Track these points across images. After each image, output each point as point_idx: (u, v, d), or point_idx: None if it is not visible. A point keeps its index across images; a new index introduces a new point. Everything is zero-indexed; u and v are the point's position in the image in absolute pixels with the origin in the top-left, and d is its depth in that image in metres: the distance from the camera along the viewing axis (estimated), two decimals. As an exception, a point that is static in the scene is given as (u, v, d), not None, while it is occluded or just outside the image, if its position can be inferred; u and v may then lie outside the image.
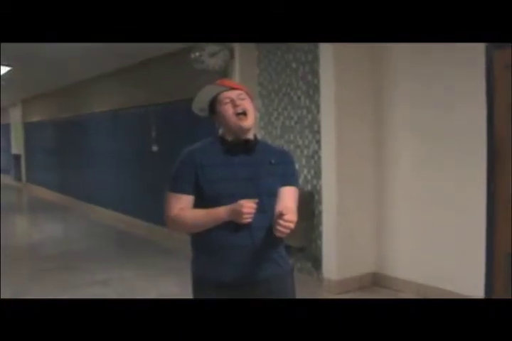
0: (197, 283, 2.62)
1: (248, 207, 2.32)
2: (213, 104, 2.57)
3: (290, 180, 2.66)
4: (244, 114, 2.51)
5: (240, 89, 2.57)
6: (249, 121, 2.52)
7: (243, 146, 2.55)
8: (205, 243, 2.54)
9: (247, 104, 2.55)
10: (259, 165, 2.55)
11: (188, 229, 2.58)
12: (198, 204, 2.52)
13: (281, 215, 2.29)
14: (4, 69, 8.91)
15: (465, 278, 4.67)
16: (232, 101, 2.52)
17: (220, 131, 2.61)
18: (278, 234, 2.35)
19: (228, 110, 2.52)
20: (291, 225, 2.32)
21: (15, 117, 17.26)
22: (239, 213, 2.33)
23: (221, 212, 2.41)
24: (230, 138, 2.56)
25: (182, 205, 2.51)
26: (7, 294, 5.59)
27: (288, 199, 2.59)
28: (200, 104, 2.63)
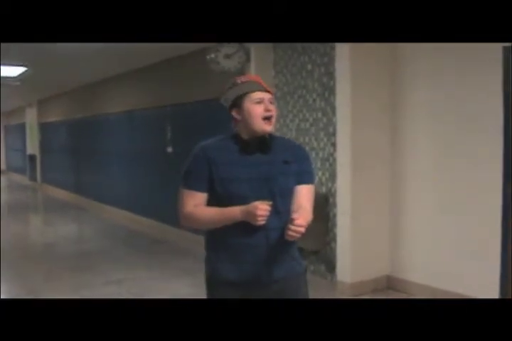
0: (211, 281, 2.62)
1: (262, 209, 2.31)
2: (241, 98, 2.53)
3: (305, 177, 2.64)
4: (270, 118, 2.50)
5: (270, 93, 2.56)
6: (272, 127, 2.53)
7: (259, 145, 2.53)
8: (219, 242, 2.54)
9: (274, 110, 2.54)
10: (274, 165, 2.53)
11: (201, 226, 2.58)
12: (210, 202, 2.51)
13: (292, 220, 2.29)
14: (20, 70, 8.97)
15: (480, 281, 4.64)
16: (264, 104, 2.50)
17: (236, 128, 2.59)
18: (288, 238, 2.35)
19: (257, 110, 2.49)
20: (302, 230, 2.32)
21: (30, 117, 17.36)
22: (253, 215, 2.32)
23: (236, 212, 2.39)
24: (246, 136, 2.55)
25: (196, 202, 2.50)
26: (22, 294, 5.65)
27: (303, 198, 2.59)
28: (231, 95, 2.58)
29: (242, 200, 2.40)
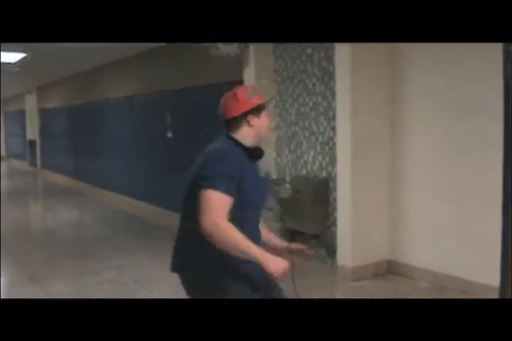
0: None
1: (283, 268, 2.34)
2: (263, 107, 2.55)
3: None
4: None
5: None
6: None
7: (260, 154, 2.55)
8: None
9: None
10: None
11: (221, 245, 2.29)
12: None
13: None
14: (19, 56, 8.92)
15: (480, 266, 4.65)
16: (269, 117, 2.56)
17: (235, 134, 2.52)
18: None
19: (266, 122, 2.54)
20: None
21: (30, 103, 17.33)
22: (277, 269, 2.30)
23: (263, 258, 2.26)
24: (249, 143, 2.51)
25: (227, 209, 2.29)
26: (24, 280, 5.66)
27: None
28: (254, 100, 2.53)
29: (253, 210, 2.39)
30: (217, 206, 2.28)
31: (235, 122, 2.51)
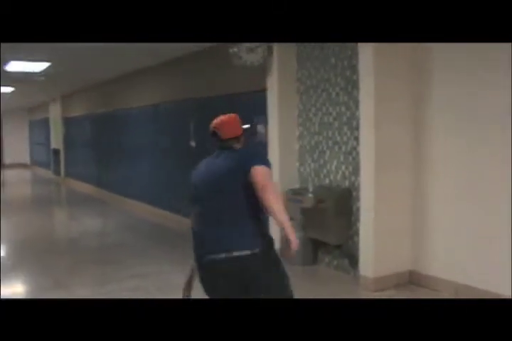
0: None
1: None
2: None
3: None
4: None
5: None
6: None
7: None
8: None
9: None
10: None
11: (279, 213, 2.91)
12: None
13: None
14: (44, 65, 9.04)
15: (504, 279, 4.58)
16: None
17: (238, 146, 3.31)
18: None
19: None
20: None
21: (54, 112, 17.51)
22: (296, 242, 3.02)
23: (291, 229, 3.01)
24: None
25: None
26: (49, 286, 5.72)
27: None
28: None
29: None
30: (271, 177, 3.01)
31: (239, 137, 3.34)
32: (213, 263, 3.06)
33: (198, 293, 4.90)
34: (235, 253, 3.00)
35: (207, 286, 3.19)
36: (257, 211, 3.09)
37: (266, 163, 3.02)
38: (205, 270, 3.13)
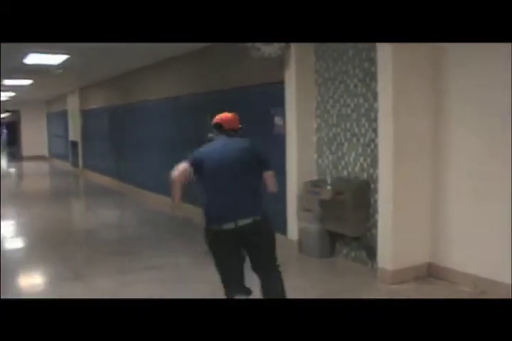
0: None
1: None
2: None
3: None
4: None
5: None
6: None
7: None
8: None
9: None
10: None
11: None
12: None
13: None
14: (62, 58, 9.07)
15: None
16: None
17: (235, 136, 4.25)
18: None
19: None
20: None
21: (72, 105, 17.60)
22: None
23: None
24: None
25: None
26: (68, 277, 5.77)
27: None
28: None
29: None
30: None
31: (237, 131, 4.30)
32: (243, 227, 3.89)
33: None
34: (256, 218, 3.92)
35: (219, 245, 4.00)
36: (260, 188, 4.10)
37: (272, 166, 4.18)
38: (224, 232, 3.92)
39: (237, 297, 3.94)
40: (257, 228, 3.92)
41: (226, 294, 4.02)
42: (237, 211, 3.92)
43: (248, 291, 4.01)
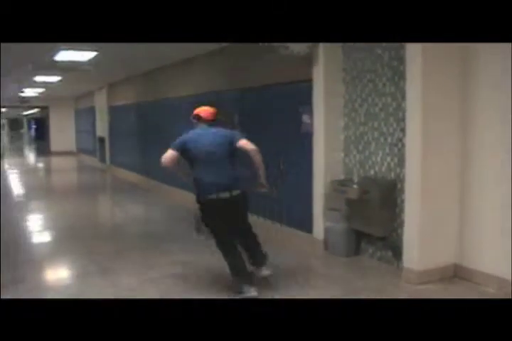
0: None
1: None
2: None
3: None
4: None
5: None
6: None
7: None
8: None
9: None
10: None
11: (259, 161, 5.00)
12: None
13: None
14: (91, 55, 9.15)
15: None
16: None
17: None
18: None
19: None
20: None
21: (100, 101, 17.75)
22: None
23: (263, 174, 5.17)
24: None
25: None
26: (94, 271, 5.83)
27: None
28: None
29: None
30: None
31: (213, 123, 5.24)
32: (232, 197, 4.90)
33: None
34: (242, 190, 4.98)
35: (212, 213, 5.00)
36: (238, 167, 5.02)
37: (244, 136, 4.96)
38: (217, 202, 4.90)
39: (239, 266, 4.96)
40: (244, 198, 5.02)
41: (224, 257, 5.07)
42: (228, 183, 4.90)
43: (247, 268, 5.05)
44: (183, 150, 5.05)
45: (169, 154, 5.06)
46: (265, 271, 5.26)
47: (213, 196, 4.87)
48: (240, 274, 4.95)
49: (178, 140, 5.18)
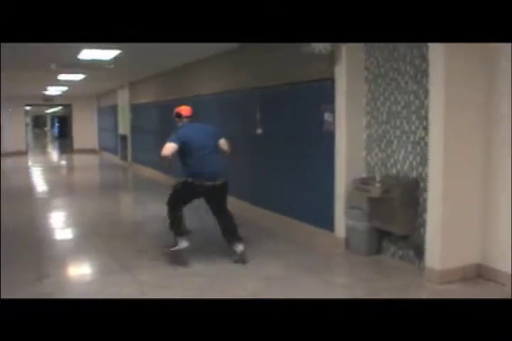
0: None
1: None
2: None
3: None
4: None
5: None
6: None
7: None
8: None
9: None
10: None
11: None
12: None
13: None
14: (114, 53, 9.21)
15: None
16: None
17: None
18: None
19: None
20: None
21: (122, 99, 17.84)
22: None
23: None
24: None
25: None
26: (115, 269, 5.86)
27: None
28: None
29: None
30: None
31: (191, 118, 6.15)
32: (216, 185, 5.85)
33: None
34: (225, 180, 5.94)
35: (192, 189, 5.94)
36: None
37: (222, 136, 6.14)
38: (203, 187, 5.83)
39: (176, 222, 6.13)
40: (224, 187, 5.95)
41: (171, 213, 6.19)
42: (215, 174, 5.83)
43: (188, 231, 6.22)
44: (182, 143, 5.74)
45: (171, 147, 5.74)
46: (239, 247, 6.01)
47: (206, 183, 5.79)
48: (175, 228, 6.07)
49: (176, 135, 5.85)
